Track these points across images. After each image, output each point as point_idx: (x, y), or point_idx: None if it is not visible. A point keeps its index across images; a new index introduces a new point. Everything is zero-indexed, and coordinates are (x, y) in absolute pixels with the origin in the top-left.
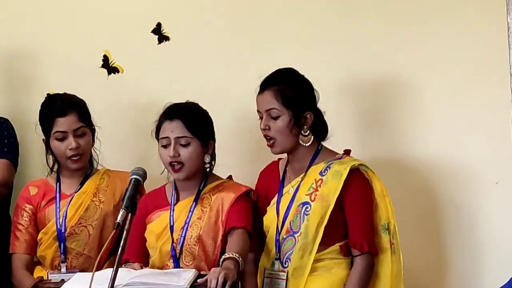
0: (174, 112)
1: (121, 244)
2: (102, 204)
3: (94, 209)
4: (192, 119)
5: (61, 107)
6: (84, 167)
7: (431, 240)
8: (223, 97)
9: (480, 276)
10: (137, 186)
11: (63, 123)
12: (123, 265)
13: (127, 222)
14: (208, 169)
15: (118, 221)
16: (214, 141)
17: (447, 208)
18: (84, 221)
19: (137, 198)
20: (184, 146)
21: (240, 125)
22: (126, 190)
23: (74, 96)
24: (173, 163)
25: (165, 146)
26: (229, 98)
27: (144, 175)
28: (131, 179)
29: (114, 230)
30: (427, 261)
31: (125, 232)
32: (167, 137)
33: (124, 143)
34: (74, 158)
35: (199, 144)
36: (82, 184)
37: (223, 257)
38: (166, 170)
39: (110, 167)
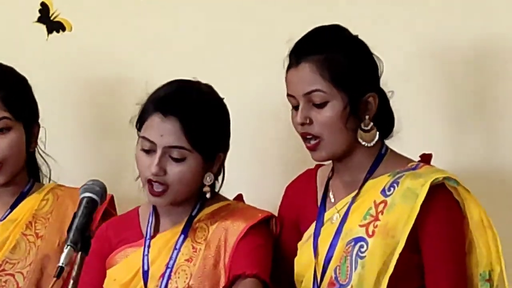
0: (172, 104)
1: None
2: (40, 240)
3: (26, 248)
4: (198, 121)
5: None
6: (10, 181)
7: None
8: (230, 75)
9: None
10: (91, 210)
11: None
12: None
13: (75, 267)
14: (207, 194)
15: (60, 264)
16: (226, 152)
17: None
18: (10, 267)
19: (90, 229)
20: (176, 161)
21: (255, 118)
22: (74, 216)
23: (4, 68)
24: (153, 182)
25: (147, 151)
26: (240, 75)
27: (102, 192)
28: (82, 198)
29: (54, 279)
30: None
31: (71, 282)
32: (152, 142)
33: (83, 142)
34: None
35: (200, 160)
36: (13, 207)
37: None
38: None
39: (66, 181)
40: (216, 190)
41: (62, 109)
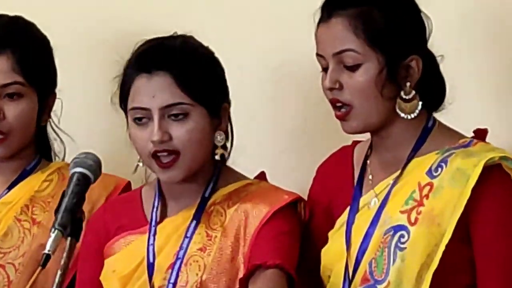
0: (154, 57)
1: None
2: (36, 227)
3: (20, 235)
4: (190, 69)
5: None
6: (13, 156)
7: None
8: (248, 36)
9: None
10: (83, 187)
11: None
12: None
13: (65, 254)
14: (220, 157)
15: (46, 251)
16: (229, 105)
17: None
18: (1, 257)
19: (82, 211)
20: (178, 120)
21: (278, 85)
22: (63, 195)
23: (17, 19)
24: (158, 154)
25: (140, 123)
26: (258, 35)
27: (96, 167)
28: (72, 174)
29: (40, 268)
30: None
31: (59, 273)
32: (144, 108)
33: (104, 119)
34: None
35: (205, 113)
36: (11, 187)
37: None
38: (142, 162)
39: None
40: (227, 155)
41: (83, 78)
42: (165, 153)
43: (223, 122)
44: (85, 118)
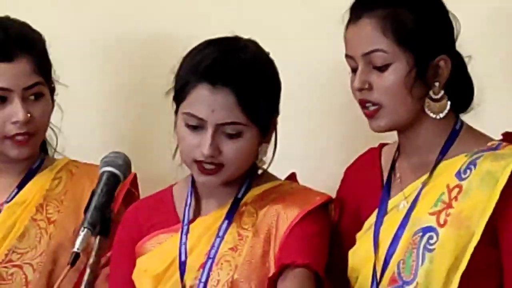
0: (221, 71)
1: None
2: (52, 226)
3: (36, 235)
4: (254, 89)
5: (4, 45)
6: (33, 155)
7: None
8: (278, 36)
9: None
10: (112, 186)
11: (7, 74)
12: None
13: (93, 253)
14: (260, 166)
15: (75, 249)
16: (278, 114)
17: None
18: (18, 257)
19: (111, 209)
20: (231, 137)
21: (309, 86)
22: (93, 193)
23: (27, 25)
24: (205, 164)
25: (193, 128)
26: (289, 36)
27: (126, 166)
28: (102, 173)
29: (68, 267)
30: None
31: (88, 271)
32: (201, 119)
33: (105, 114)
34: (19, 138)
35: (257, 132)
36: (21, 187)
37: None
38: (180, 160)
39: (78, 156)
40: (268, 164)
41: (83, 70)
42: (209, 164)
43: (270, 134)
44: (83, 110)
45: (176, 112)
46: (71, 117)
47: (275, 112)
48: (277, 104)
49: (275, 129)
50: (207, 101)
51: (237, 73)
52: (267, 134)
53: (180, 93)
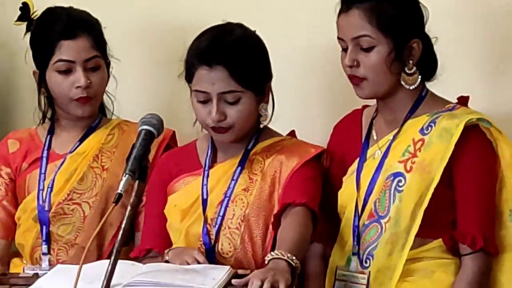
0: (214, 53)
1: (123, 225)
2: (105, 172)
3: (92, 179)
4: (243, 63)
5: (68, 26)
6: (93, 115)
7: None
8: (281, 19)
9: None
10: (148, 141)
11: (71, 49)
12: (142, 258)
13: (133, 194)
14: (263, 123)
15: (119, 191)
16: (271, 79)
17: None
18: (78, 196)
19: (148, 160)
20: (231, 103)
21: (307, 60)
22: (133, 147)
23: (86, 12)
24: (217, 127)
25: (202, 102)
26: (290, 20)
27: (159, 125)
28: (140, 131)
29: (113, 205)
30: None
31: (129, 208)
32: (205, 92)
33: (148, 83)
34: (82, 100)
35: (253, 96)
36: (82, 140)
37: (268, 256)
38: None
39: (128, 117)
40: (268, 120)
41: (134, 54)
42: (220, 127)
43: (267, 96)
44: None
45: (190, 90)
46: (123, 86)
47: (267, 77)
48: (267, 71)
49: (270, 91)
50: (207, 78)
51: (226, 53)
52: (263, 96)
53: (188, 75)
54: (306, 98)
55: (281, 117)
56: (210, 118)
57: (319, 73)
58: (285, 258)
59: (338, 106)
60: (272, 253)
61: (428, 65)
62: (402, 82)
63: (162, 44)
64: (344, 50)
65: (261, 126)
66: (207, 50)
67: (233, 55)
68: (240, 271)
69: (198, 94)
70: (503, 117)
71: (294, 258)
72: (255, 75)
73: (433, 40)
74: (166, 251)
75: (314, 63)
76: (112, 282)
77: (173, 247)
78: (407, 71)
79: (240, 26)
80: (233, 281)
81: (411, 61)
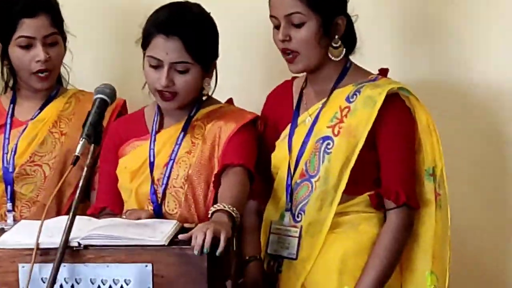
0: (173, 25)
1: (80, 184)
2: (63, 136)
3: (52, 143)
4: (197, 39)
5: (29, 5)
6: (51, 86)
7: (491, 192)
8: (228, 3)
9: None
10: (103, 108)
11: (31, 26)
12: (98, 216)
13: (89, 156)
14: (205, 94)
15: (76, 153)
16: (217, 58)
17: None
18: (39, 159)
19: (102, 125)
20: (181, 72)
21: (244, 34)
22: (88, 113)
23: None
24: (164, 92)
25: (155, 67)
26: (235, 3)
27: (112, 94)
28: (95, 99)
29: (71, 166)
30: (484, 220)
31: (85, 169)
32: (159, 59)
33: (101, 56)
34: (41, 74)
35: (200, 69)
36: (42, 108)
37: (211, 209)
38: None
39: (83, 86)
40: (211, 93)
41: (89, 29)
42: (167, 92)
43: (211, 73)
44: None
45: (144, 56)
46: (78, 58)
47: (215, 56)
48: (216, 50)
49: (215, 68)
50: (163, 47)
51: (184, 27)
52: (208, 71)
53: (144, 42)
54: (244, 70)
55: (220, 86)
56: (159, 83)
57: (254, 48)
58: (227, 209)
59: (272, 77)
60: (215, 205)
61: (350, 40)
62: (329, 55)
63: (114, 21)
64: (276, 27)
65: (204, 98)
66: (167, 21)
67: (189, 30)
68: (186, 225)
69: (152, 60)
70: (416, 85)
71: (234, 209)
72: (206, 51)
73: (354, 18)
74: (123, 212)
75: (251, 40)
76: (71, 236)
77: (127, 209)
78: (334, 45)
79: (198, 5)
80: (179, 236)
81: (337, 36)
